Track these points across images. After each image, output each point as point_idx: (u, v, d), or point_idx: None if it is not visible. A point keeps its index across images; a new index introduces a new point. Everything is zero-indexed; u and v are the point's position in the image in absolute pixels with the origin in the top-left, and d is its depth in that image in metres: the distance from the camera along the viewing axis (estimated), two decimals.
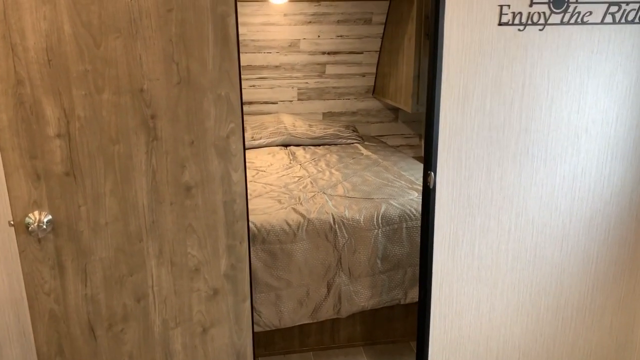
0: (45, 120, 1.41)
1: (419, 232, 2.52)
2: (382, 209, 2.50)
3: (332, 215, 2.45)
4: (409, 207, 2.53)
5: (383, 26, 3.93)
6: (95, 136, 1.46)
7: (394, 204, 2.56)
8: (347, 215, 2.46)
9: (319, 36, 3.93)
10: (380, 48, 4.04)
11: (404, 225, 2.49)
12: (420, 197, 2.65)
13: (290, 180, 3.02)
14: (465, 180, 1.83)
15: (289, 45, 3.95)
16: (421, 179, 2.94)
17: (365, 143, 3.95)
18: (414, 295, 2.57)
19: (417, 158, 4.03)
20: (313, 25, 3.88)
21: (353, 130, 4.04)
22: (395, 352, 2.68)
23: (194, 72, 1.51)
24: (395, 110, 4.35)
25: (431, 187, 1.83)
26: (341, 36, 3.96)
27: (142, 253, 1.59)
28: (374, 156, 3.52)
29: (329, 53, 4.02)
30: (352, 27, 3.92)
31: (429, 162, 1.84)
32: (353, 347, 2.71)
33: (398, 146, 4.34)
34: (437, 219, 1.85)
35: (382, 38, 3.98)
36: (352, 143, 3.94)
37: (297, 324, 2.50)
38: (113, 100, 1.45)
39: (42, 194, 1.46)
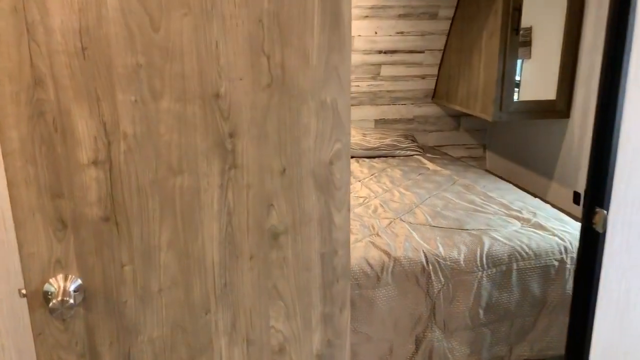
0: (76, 140, 0.93)
1: (532, 275, 2.01)
2: (486, 245, 1.99)
3: (424, 253, 1.95)
4: (518, 243, 2.02)
5: (450, 22, 3.42)
6: (149, 163, 0.97)
7: (498, 237, 2.04)
8: (442, 253, 1.95)
9: (376, 33, 3.44)
10: (445, 46, 3.53)
11: (514, 267, 1.97)
12: (525, 229, 2.13)
13: (354, 201, 2.53)
14: None
15: None
16: (517, 202, 2.42)
17: (428, 155, 3.44)
18: (520, 351, 2.05)
19: (494, 174, 3.51)
20: (370, 20, 3.39)
21: (412, 140, 3.53)
22: None
23: (290, 69, 1.02)
24: (457, 117, 3.84)
25: (600, 230, 1.31)
26: (401, 33, 3.47)
27: (209, 329, 1.10)
28: (444, 171, 3.01)
29: (385, 52, 3.52)
30: (414, 22, 3.42)
31: (597, 194, 1.32)
32: None
33: (460, 158, 3.82)
34: (604, 274, 1.34)
35: (448, 35, 3.48)
36: (412, 155, 3.44)
37: None
38: (176, 110, 0.97)
39: (69, 249, 0.98)
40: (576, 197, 2.87)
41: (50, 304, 0.93)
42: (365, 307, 1.89)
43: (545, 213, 2.34)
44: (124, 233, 1.00)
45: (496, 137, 3.83)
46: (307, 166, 1.09)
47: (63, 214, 0.95)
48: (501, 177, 3.45)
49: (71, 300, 0.95)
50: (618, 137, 1.22)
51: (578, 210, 2.86)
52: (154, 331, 1.07)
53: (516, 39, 2.80)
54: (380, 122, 3.78)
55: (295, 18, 1.00)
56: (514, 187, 2.77)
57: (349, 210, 1.16)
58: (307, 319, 1.18)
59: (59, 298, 0.94)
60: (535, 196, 2.97)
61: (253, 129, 1.03)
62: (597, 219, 1.31)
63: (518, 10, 2.74)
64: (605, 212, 1.29)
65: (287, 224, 1.11)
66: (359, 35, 3.45)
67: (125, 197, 0.98)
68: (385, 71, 3.61)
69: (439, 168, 3.10)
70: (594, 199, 1.33)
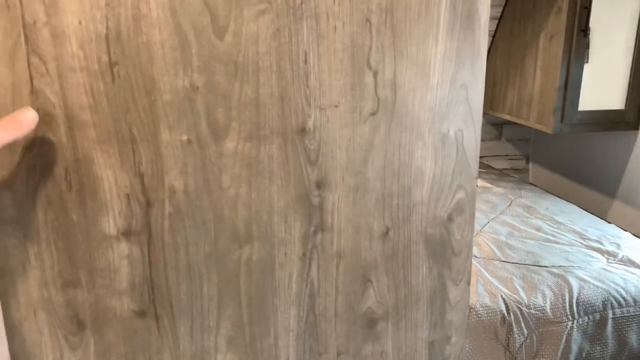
0: (100, 202, 0.62)
1: (630, 324, 1.69)
2: (575, 289, 1.67)
3: (503, 298, 1.63)
4: (613, 285, 1.70)
5: (497, 22, 3.10)
6: (206, 231, 0.67)
7: (587, 278, 1.72)
8: (525, 299, 1.64)
9: None
10: (490, 49, 3.20)
11: (610, 315, 1.65)
12: (614, 266, 1.81)
13: None
14: None
15: None
16: (591, 230, 2.09)
17: None
18: None
19: (538, 186, 3.18)
20: None
21: None
22: None
23: (404, 90, 0.72)
24: (499, 126, 3.51)
25: None
26: None
27: None
28: (496, 189, 2.69)
29: None
30: None
31: None
32: None
33: (502, 170, 3.50)
34: None
35: (494, 36, 3.15)
36: None
37: None
38: (245, 152, 0.66)
39: (89, 356, 0.67)
40: None
41: None
42: None
43: (629, 244, 2.01)
44: (167, 332, 0.69)
45: (541, 148, 3.50)
46: (418, 225, 0.78)
47: (79, 309, 0.65)
48: (551, 192, 3.13)
49: None
50: None
51: None
52: None
53: (584, 41, 2.48)
54: None
55: (414, 16, 0.69)
56: (581, 210, 2.45)
57: (469, 282, 0.85)
58: None
59: None
60: (602, 218, 2.65)
61: (349, 177, 0.72)
62: None
63: (587, 8, 2.42)
64: None
65: (388, 306, 0.80)
66: None
67: (169, 282, 0.67)
68: None
69: (488, 185, 2.78)
70: None
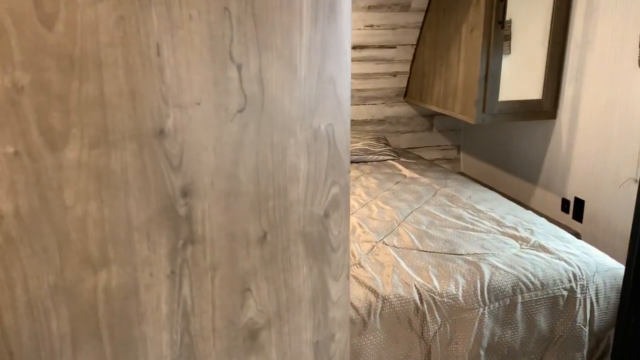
0: None
1: (538, 308, 1.75)
2: (487, 276, 1.71)
3: (417, 288, 1.65)
4: (522, 270, 1.75)
5: (424, 14, 3.13)
6: (48, 258, 0.59)
7: (499, 265, 1.77)
8: (438, 287, 1.66)
9: None
10: (418, 41, 3.24)
11: (519, 300, 1.71)
12: (526, 251, 1.88)
13: None
14: None
15: None
16: (509, 217, 2.14)
17: (402, 159, 3.16)
18: None
19: (468, 176, 3.27)
20: None
21: (385, 144, 3.24)
22: None
23: (272, 85, 0.67)
24: (430, 117, 3.57)
25: None
26: (371, 26, 3.14)
27: None
28: (422, 179, 2.73)
29: (354, 47, 3.19)
30: (385, 14, 3.10)
31: None
32: None
33: (434, 160, 3.57)
34: None
35: (422, 29, 3.19)
36: (386, 160, 3.14)
37: None
38: (93, 162, 0.59)
39: None
40: (564, 204, 2.67)
41: None
42: (351, 357, 1.57)
43: (543, 229, 2.09)
44: None
45: (471, 139, 3.60)
46: (296, 225, 0.75)
47: None
48: (479, 181, 3.22)
49: None
50: None
51: (567, 218, 2.66)
52: None
53: (501, 33, 2.54)
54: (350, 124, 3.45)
55: (277, 4, 0.64)
56: (502, 198, 2.52)
57: (348, 276, 0.83)
58: None
59: None
60: (518, 203, 2.75)
61: (219, 181, 0.67)
62: None
63: (502, 1, 2.48)
64: None
65: (270, 313, 0.76)
66: None
67: (6, 325, 0.59)
68: (354, 68, 3.28)
69: (416, 175, 2.81)
70: None
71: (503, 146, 3.22)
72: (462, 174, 3.51)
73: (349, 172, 0.79)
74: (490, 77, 2.56)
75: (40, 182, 0.56)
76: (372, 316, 1.58)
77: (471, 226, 2.10)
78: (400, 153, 3.31)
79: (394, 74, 3.35)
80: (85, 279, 0.61)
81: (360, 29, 3.11)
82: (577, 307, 1.76)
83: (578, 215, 2.60)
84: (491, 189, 2.88)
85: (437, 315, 1.63)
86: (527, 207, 2.69)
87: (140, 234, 0.62)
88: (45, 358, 0.61)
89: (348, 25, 0.69)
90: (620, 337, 1.11)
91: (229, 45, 0.63)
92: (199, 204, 0.66)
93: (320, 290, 0.80)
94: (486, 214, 2.23)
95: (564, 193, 2.71)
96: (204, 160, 0.65)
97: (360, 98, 3.37)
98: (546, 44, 2.60)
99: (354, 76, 3.28)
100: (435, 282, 1.68)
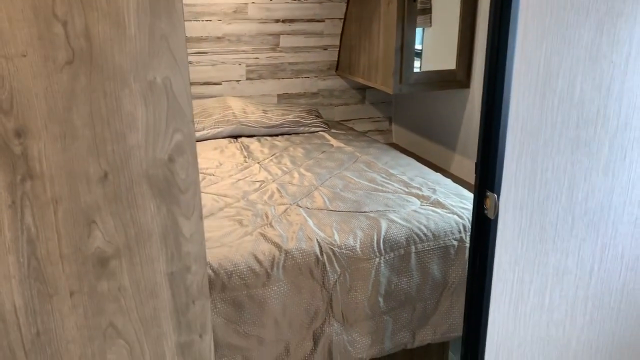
0: None
1: (431, 257, 1.93)
2: (383, 229, 1.87)
3: (318, 242, 1.79)
4: (417, 224, 1.92)
5: None
6: None
7: (396, 219, 1.93)
8: (337, 240, 1.80)
9: (271, 0, 3.17)
10: (345, 15, 3.35)
11: (413, 250, 1.87)
12: (424, 207, 2.04)
13: (249, 187, 2.31)
14: (538, 204, 1.22)
15: (234, 12, 3.16)
16: (417, 179, 2.33)
17: (332, 131, 3.29)
18: (423, 337, 1.99)
19: (397, 147, 3.42)
20: None
21: (316, 116, 3.35)
22: None
23: (100, 41, 0.77)
24: (363, 90, 3.70)
25: (492, 216, 1.20)
26: (299, 0, 3.22)
27: None
28: (347, 148, 2.87)
29: (283, 21, 3.27)
30: None
31: (487, 178, 1.21)
32: None
33: (367, 132, 3.71)
34: (497, 260, 1.24)
35: (348, 3, 3.29)
36: (317, 131, 3.26)
37: None
38: None
39: None
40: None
41: None
42: (255, 308, 1.70)
43: (446, 189, 2.27)
44: None
45: (401, 110, 3.76)
46: (138, 168, 0.85)
47: None
48: (407, 151, 3.39)
49: None
50: (507, 117, 1.10)
51: None
52: None
53: (414, 6, 2.67)
54: (283, 97, 3.55)
55: None
56: (417, 163, 2.69)
57: (201, 216, 0.94)
58: (159, 354, 0.96)
59: None
60: (439, 169, 2.93)
61: (53, 125, 0.77)
62: (488, 203, 1.20)
63: None
64: (495, 195, 1.18)
65: (119, 245, 0.87)
66: (253, 2, 3.16)
67: None
68: (285, 42, 3.36)
69: (342, 145, 2.95)
70: (484, 182, 1.21)
71: (428, 117, 3.39)
72: (393, 144, 3.67)
73: (193, 121, 0.89)
74: (405, 49, 2.70)
75: None
76: (275, 268, 1.72)
77: (380, 187, 2.25)
78: (332, 125, 3.44)
79: (325, 48, 3.46)
80: None
81: (288, 2, 3.19)
82: (466, 256, 1.94)
83: None
84: (417, 157, 3.04)
85: (336, 266, 1.77)
86: (446, 173, 2.87)
87: None
88: None
89: None
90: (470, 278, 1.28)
91: (52, 4, 0.72)
92: (34, 144, 0.76)
93: (171, 227, 0.91)
94: (397, 177, 2.39)
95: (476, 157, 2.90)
96: (35, 105, 0.75)
97: (292, 71, 3.47)
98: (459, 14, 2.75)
99: (285, 49, 3.37)
100: (336, 236, 1.82)
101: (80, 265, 0.84)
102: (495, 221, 1.21)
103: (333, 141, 3.04)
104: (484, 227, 1.24)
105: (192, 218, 0.93)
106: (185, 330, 0.97)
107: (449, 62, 2.90)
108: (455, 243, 1.93)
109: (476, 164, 1.28)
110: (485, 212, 1.22)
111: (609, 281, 1.36)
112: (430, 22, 3.09)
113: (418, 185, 2.28)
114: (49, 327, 0.84)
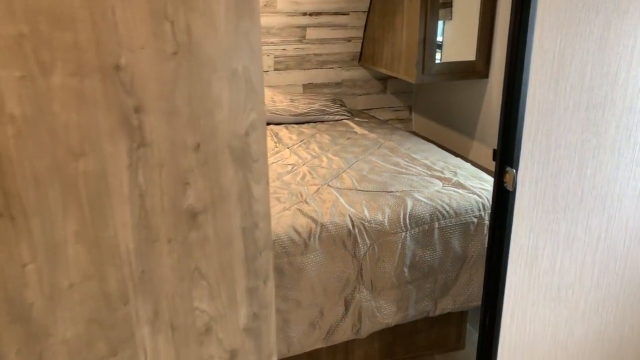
0: None
1: (453, 233, 2.10)
2: (409, 206, 2.05)
3: (350, 217, 1.98)
4: (440, 202, 2.10)
5: None
6: (44, 148, 0.89)
7: (420, 198, 2.11)
8: (367, 216, 1.99)
9: None
10: (369, 8, 3.51)
11: (436, 226, 2.05)
12: (446, 188, 2.22)
13: (282, 169, 2.50)
14: (551, 178, 1.39)
15: (265, 5, 3.34)
16: (439, 163, 2.51)
17: (356, 119, 3.46)
18: (444, 306, 2.17)
19: (417, 135, 3.59)
20: None
21: (341, 105, 3.53)
22: None
23: (197, 36, 0.96)
24: (384, 80, 3.87)
25: (510, 188, 1.38)
26: None
27: (130, 320, 1.05)
28: (371, 135, 3.05)
29: (310, 14, 3.45)
30: None
31: (507, 155, 1.38)
32: None
33: (388, 120, 3.88)
34: (514, 229, 1.42)
35: None
36: (341, 119, 3.44)
37: (307, 350, 2.04)
38: (71, 85, 0.88)
39: None
40: (495, 154, 3.02)
41: None
42: (295, 274, 1.90)
43: (466, 172, 2.44)
44: (21, 229, 0.91)
45: (421, 99, 3.92)
46: (223, 140, 1.05)
47: None
48: (426, 138, 3.55)
49: None
50: (525, 101, 1.28)
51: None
52: (68, 330, 1.00)
53: (436, 0, 2.83)
54: (308, 87, 3.73)
55: None
56: (437, 148, 2.86)
57: (267, 182, 1.13)
58: (232, 296, 1.16)
59: None
60: (458, 156, 3.09)
61: (161, 103, 0.97)
62: (507, 178, 1.38)
63: None
64: (514, 171, 1.36)
65: (206, 202, 1.07)
66: None
67: (19, 188, 0.89)
68: (311, 34, 3.54)
69: (366, 132, 3.13)
70: (504, 159, 1.39)
71: (447, 105, 3.55)
72: (413, 132, 3.83)
73: (264, 103, 1.08)
74: (427, 41, 2.86)
75: (38, 96, 0.85)
76: (312, 239, 1.91)
77: (404, 170, 2.43)
78: (355, 114, 3.62)
79: (348, 39, 3.62)
80: (70, 163, 0.90)
81: None
82: (485, 232, 2.12)
83: None
84: (437, 144, 3.21)
85: (366, 238, 1.96)
86: (465, 158, 3.03)
87: (107, 136, 0.92)
88: (46, 213, 0.91)
89: None
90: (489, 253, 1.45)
91: (165, 7, 0.92)
92: (147, 118, 0.95)
93: (244, 190, 1.11)
94: (420, 161, 2.57)
95: (494, 144, 3.06)
96: (149, 87, 0.94)
97: (318, 62, 3.64)
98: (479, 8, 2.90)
99: (311, 41, 3.54)
100: (366, 212, 2.01)
101: (176, 217, 1.04)
102: (513, 193, 1.38)
103: (357, 128, 3.22)
104: (503, 198, 1.41)
105: (261, 183, 1.12)
106: (253, 277, 1.17)
107: (468, 53, 3.05)
108: (475, 220, 2.11)
109: (495, 148, 1.45)
110: (505, 185, 1.40)
111: (614, 249, 1.53)
112: (451, 16, 3.24)
113: (440, 169, 2.45)
114: (151, 267, 1.04)
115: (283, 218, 1.96)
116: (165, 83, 0.96)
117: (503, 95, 1.36)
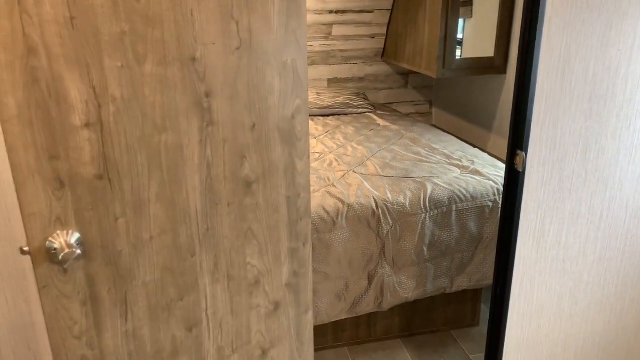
0: (69, 104, 1.04)
1: (469, 215, 2.28)
2: (429, 190, 2.23)
3: (374, 199, 2.17)
4: (457, 187, 2.27)
5: None
6: (136, 123, 1.10)
7: (439, 183, 2.29)
8: (390, 198, 2.18)
9: None
10: (393, 6, 3.68)
11: (454, 208, 2.23)
12: (464, 175, 2.39)
13: (310, 156, 2.70)
14: (558, 161, 1.56)
15: None
16: (457, 152, 2.69)
17: (378, 112, 3.65)
18: (460, 283, 2.35)
19: (439, 128, 3.76)
20: None
21: (364, 99, 3.71)
22: (437, 342, 2.47)
23: (256, 34, 1.16)
24: (406, 75, 4.04)
25: (520, 169, 1.55)
26: None
27: (195, 270, 1.26)
28: (393, 127, 3.23)
29: (336, 12, 3.63)
30: None
31: (518, 139, 1.56)
32: (390, 339, 2.49)
33: (409, 114, 4.05)
34: (524, 206, 1.59)
35: None
36: (364, 112, 3.63)
37: (333, 320, 2.24)
38: (158, 73, 1.09)
39: (68, 206, 1.10)
40: None
41: (61, 256, 1.06)
42: (323, 249, 2.10)
43: (483, 161, 2.60)
44: (116, 189, 1.13)
45: (441, 94, 4.08)
46: (273, 121, 1.25)
47: (60, 174, 1.07)
48: (446, 131, 3.71)
49: (78, 251, 1.08)
50: (534, 92, 1.45)
51: None
52: (147, 275, 1.22)
53: None
54: (333, 82, 3.92)
55: None
56: (456, 139, 3.03)
57: (309, 158, 1.33)
58: (277, 254, 1.37)
59: (66, 250, 1.07)
60: (476, 147, 3.25)
61: (226, 89, 1.17)
62: (517, 160, 1.55)
63: None
64: (524, 153, 1.53)
65: (258, 173, 1.27)
66: None
67: (116, 155, 1.11)
68: (337, 31, 3.73)
69: (388, 124, 3.31)
70: (515, 143, 1.56)
71: (466, 100, 3.70)
72: (433, 125, 4.00)
73: (307, 91, 1.28)
74: (448, 37, 3.02)
75: (133, 81, 1.06)
76: (339, 218, 2.11)
77: (425, 159, 2.61)
78: (377, 107, 3.80)
79: (372, 36, 3.80)
80: (155, 136, 1.12)
81: None
82: (499, 215, 2.28)
83: None
84: (456, 137, 3.37)
85: (389, 218, 2.15)
86: (483, 151, 3.19)
87: (183, 115, 1.13)
88: (135, 176, 1.12)
89: None
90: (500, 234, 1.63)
91: (231, 9, 1.12)
92: (215, 102, 1.16)
93: (289, 164, 1.31)
94: (439, 150, 2.74)
95: None
96: (217, 76, 1.15)
97: (342, 58, 3.83)
98: (497, 6, 3.05)
99: (337, 38, 3.73)
100: (389, 195, 2.20)
101: (235, 185, 1.24)
102: (523, 174, 1.56)
103: (380, 121, 3.40)
104: (514, 179, 1.59)
105: (303, 159, 1.32)
106: (294, 239, 1.37)
107: (487, 50, 3.21)
108: (490, 204, 2.28)
109: (509, 132, 1.62)
110: (516, 167, 1.57)
111: (615, 227, 1.69)
112: (472, 14, 3.39)
113: (458, 158, 2.62)
114: (214, 226, 1.25)
115: (313, 199, 2.16)
116: (229, 73, 1.16)
117: (515, 86, 1.53)
